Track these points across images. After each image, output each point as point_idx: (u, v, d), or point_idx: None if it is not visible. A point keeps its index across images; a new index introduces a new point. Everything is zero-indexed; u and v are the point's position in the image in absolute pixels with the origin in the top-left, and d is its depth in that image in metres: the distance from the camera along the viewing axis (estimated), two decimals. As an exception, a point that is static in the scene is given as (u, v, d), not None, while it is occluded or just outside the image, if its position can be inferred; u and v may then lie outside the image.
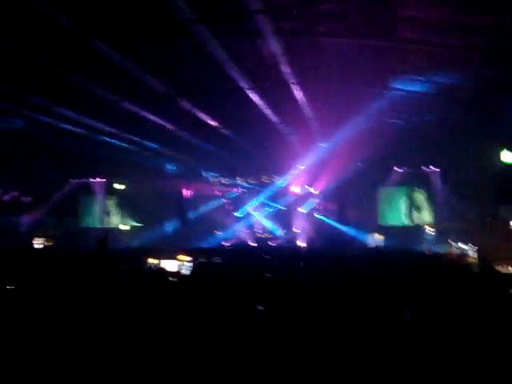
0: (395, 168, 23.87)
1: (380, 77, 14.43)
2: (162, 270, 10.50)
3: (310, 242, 24.00)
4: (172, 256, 13.00)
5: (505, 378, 4.81)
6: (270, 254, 17.64)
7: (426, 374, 4.98)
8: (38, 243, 24.40)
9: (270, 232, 26.75)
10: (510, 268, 13.36)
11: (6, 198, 23.93)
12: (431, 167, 23.40)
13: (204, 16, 10.38)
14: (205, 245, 20.47)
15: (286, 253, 18.53)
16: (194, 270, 12.09)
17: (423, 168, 23.64)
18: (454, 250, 18.95)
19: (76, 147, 20.78)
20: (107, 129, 19.59)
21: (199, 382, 4.93)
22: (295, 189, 26.15)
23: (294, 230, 26.37)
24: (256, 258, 15.53)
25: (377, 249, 21.26)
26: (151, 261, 12.67)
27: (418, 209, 24.24)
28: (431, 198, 23.85)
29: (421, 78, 14.02)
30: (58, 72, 13.24)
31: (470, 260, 17.14)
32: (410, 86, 14.87)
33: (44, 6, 9.74)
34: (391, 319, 6.68)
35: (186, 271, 11.89)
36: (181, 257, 12.73)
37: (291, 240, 24.92)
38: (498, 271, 10.23)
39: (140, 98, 15.95)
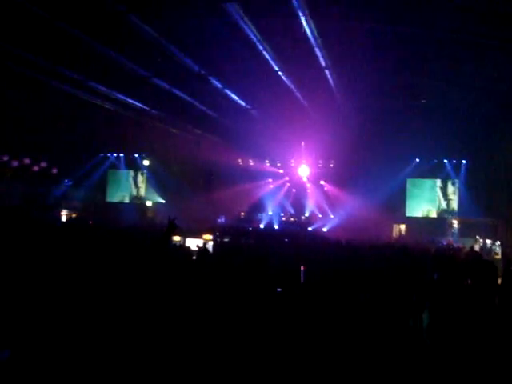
0: (423, 159, 23.54)
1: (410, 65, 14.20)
2: (187, 249, 10.65)
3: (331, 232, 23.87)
4: (197, 235, 13.10)
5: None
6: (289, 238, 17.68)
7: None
8: (64, 215, 24.72)
9: (293, 216, 26.69)
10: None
11: (35, 168, 23.87)
12: (462, 160, 23.10)
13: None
14: (230, 226, 20.50)
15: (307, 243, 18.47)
16: (218, 249, 12.24)
17: (453, 160, 23.31)
18: (479, 245, 18.63)
19: (106, 122, 21.03)
20: (137, 105, 19.81)
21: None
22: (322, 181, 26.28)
23: (317, 216, 26.28)
24: (277, 241, 15.60)
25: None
26: (176, 239, 12.76)
27: (446, 201, 23.96)
28: (459, 191, 23.54)
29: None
30: (91, 46, 13.34)
31: (495, 256, 16.86)
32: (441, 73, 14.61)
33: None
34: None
35: (210, 250, 12.00)
36: (205, 236, 12.82)
37: (314, 228, 24.78)
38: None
39: (172, 75, 16.01)
